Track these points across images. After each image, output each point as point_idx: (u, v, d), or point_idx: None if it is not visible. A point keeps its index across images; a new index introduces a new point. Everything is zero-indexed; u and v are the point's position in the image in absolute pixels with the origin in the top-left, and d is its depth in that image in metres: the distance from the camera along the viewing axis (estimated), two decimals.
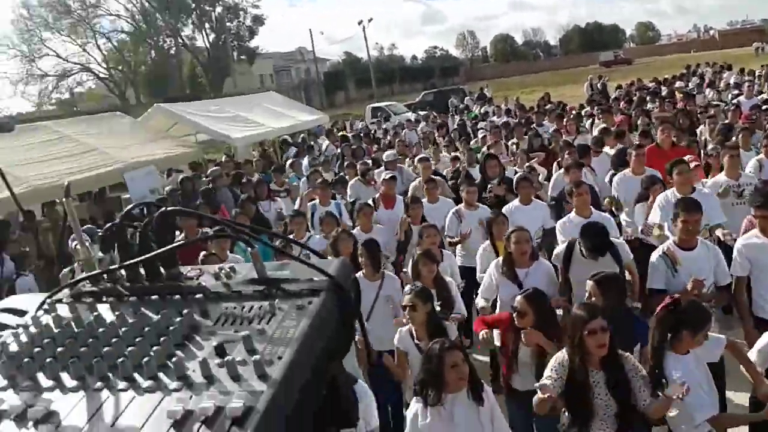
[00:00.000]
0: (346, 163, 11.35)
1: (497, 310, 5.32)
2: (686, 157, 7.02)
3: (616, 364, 3.58)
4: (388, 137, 16.73)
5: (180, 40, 64.17)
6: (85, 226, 6.07)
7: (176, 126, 16.35)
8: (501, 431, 3.71)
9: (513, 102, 22.57)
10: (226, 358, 0.87)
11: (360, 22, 66.21)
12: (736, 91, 14.75)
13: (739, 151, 7.66)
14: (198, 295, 1.02)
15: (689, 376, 3.42)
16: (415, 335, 4.52)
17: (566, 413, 3.67)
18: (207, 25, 64.64)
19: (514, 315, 4.33)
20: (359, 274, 5.59)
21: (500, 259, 5.46)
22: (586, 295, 4.32)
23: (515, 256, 5.25)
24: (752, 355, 3.80)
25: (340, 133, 18.77)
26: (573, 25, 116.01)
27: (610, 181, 7.95)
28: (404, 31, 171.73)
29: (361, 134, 18.90)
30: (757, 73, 19.85)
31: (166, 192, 10.85)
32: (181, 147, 14.37)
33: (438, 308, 4.74)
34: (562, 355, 3.70)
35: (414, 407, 3.70)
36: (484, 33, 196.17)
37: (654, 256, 4.94)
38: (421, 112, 27.44)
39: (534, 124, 14.22)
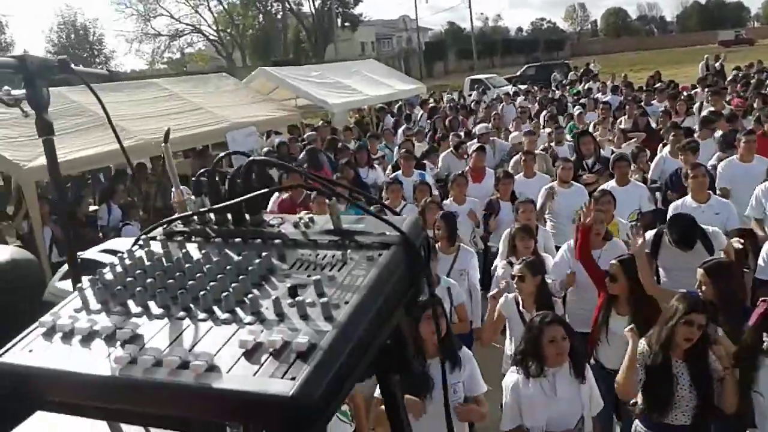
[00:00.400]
0: (439, 135, 11.30)
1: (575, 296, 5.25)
2: None
3: (701, 358, 3.48)
4: (482, 110, 16.49)
5: (287, 5, 65.39)
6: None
7: (277, 90, 16.75)
8: (598, 410, 3.71)
9: (620, 79, 21.67)
10: (296, 299, 0.92)
11: None
12: None
13: None
14: (277, 241, 1.08)
15: None
16: (521, 304, 4.52)
17: (642, 397, 3.61)
18: None
19: (607, 280, 4.28)
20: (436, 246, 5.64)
21: (571, 241, 5.32)
22: (696, 283, 4.16)
23: (590, 237, 5.10)
24: None
25: (430, 105, 18.62)
26: (692, 1, 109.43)
27: (714, 166, 7.56)
28: (510, 1, 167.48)
29: (458, 106, 18.72)
30: None
31: (263, 153, 11.23)
32: (281, 110, 14.74)
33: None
34: (643, 343, 3.62)
35: (513, 377, 3.69)
36: (596, 5, 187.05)
37: (766, 247, 4.70)
38: (522, 86, 26.86)
39: (642, 103, 13.67)
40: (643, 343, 3.61)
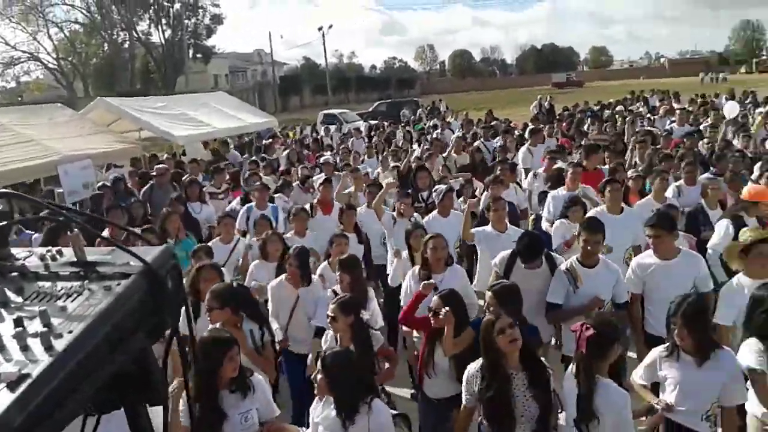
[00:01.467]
0: (284, 168, 11.35)
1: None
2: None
3: (537, 363, 3.69)
4: (334, 144, 16.80)
5: (135, 35, 63.09)
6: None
7: (120, 121, 16.07)
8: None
9: (462, 117, 22.95)
10: (18, 330, 0.93)
11: (320, 28, 66.62)
12: (672, 119, 15.29)
13: (669, 175, 8.03)
14: (14, 274, 1.08)
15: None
16: (339, 342, 4.56)
17: (484, 422, 3.70)
18: (164, 21, 63.80)
19: (431, 315, 4.40)
20: (282, 278, 5.67)
21: (417, 267, 5.58)
22: (485, 305, 4.45)
23: (431, 262, 5.37)
24: (639, 370, 3.98)
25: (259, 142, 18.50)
26: (530, 46, 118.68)
27: (539, 199, 8.24)
28: (365, 40, 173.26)
29: (303, 140, 18.94)
30: (692, 104, 20.81)
31: (96, 188, 10.71)
32: (121, 143, 14.11)
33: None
34: (475, 366, 3.77)
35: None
36: (444, 47, 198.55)
37: (558, 270, 5.14)
38: (372, 122, 27.64)
39: (482, 139, 14.50)
40: (476, 366, 3.76)
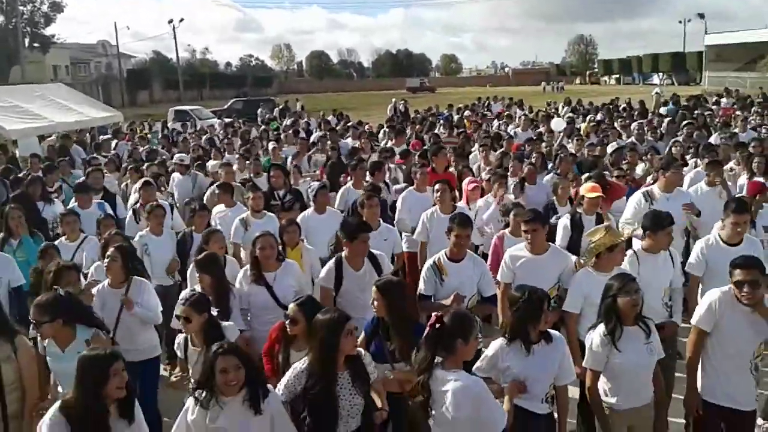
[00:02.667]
0: (129, 167, 10.77)
1: (249, 317, 5.44)
2: (467, 180, 7.81)
3: (358, 361, 3.80)
4: (186, 140, 16.15)
5: None
6: None
7: None
8: None
9: (319, 117, 23.02)
10: None
11: (170, 21, 64.01)
12: (512, 124, 16.33)
13: (507, 176, 8.56)
14: None
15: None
16: (191, 342, 4.43)
17: (307, 419, 3.73)
18: None
19: (287, 323, 4.33)
20: (105, 282, 5.39)
21: (246, 267, 5.58)
22: (371, 300, 4.49)
23: (261, 261, 5.40)
24: (480, 361, 4.14)
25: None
26: (385, 50, 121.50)
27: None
28: (218, 36, 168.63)
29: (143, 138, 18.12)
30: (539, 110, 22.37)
31: None
32: None
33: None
34: (301, 364, 3.80)
35: (188, 402, 3.63)
36: (300, 47, 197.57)
37: (425, 266, 5.35)
38: (227, 119, 26.96)
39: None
40: (299, 368, 3.79)
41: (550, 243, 5.57)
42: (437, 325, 3.54)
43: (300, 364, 3.82)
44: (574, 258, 5.56)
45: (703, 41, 50.65)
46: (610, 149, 10.89)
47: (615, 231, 5.21)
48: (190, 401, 3.62)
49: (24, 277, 5.87)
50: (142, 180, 8.61)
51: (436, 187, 7.00)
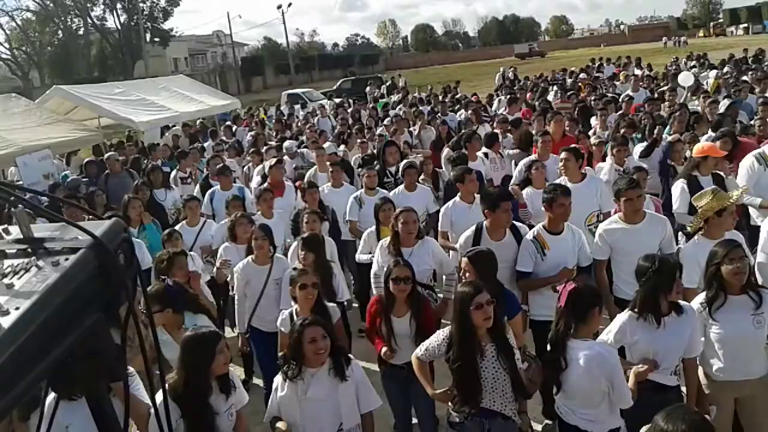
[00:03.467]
0: (251, 150, 11.21)
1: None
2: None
3: (502, 335, 3.73)
4: (298, 124, 16.63)
5: (89, 20, 61.53)
6: None
7: (78, 109, 15.72)
8: (367, 404, 3.79)
9: (426, 92, 22.93)
10: None
11: (279, 7, 65.65)
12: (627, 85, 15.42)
13: (628, 138, 8.13)
14: None
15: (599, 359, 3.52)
16: (296, 316, 4.56)
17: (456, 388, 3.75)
18: (119, 6, 62.29)
19: (460, 274, 4.42)
20: (249, 259, 5.64)
21: (386, 239, 5.56)
22: (461, 271, 4.48)
23: (402, 236, 5.36)
24: (605, 335, 4.03)
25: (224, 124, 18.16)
26: (491, 17, 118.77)
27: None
28: (325, 18, 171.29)
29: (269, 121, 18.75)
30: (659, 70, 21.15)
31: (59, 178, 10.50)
32: (80, 131, 13.82)
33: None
34: (444, 333, 3.82)
35: (277, 380, 3.80)
36: (405, 22, 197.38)
37: (524, 241, 5.15)
38: (337, 99, 27.44)
39: (439, 114, 14.55)
40: (442, 335, 3.81)
41: (645, 210, 5.23)
42: (572, 288, 3.63)
43: (442, 331, 3.85)
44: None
45: None
46: (723, 106, 10.13)
47: (723, 194, 4.81)
48: (277, 379, 3.78)
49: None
50: (275, 159, 8.74)
51: (562, 155, 6.58)
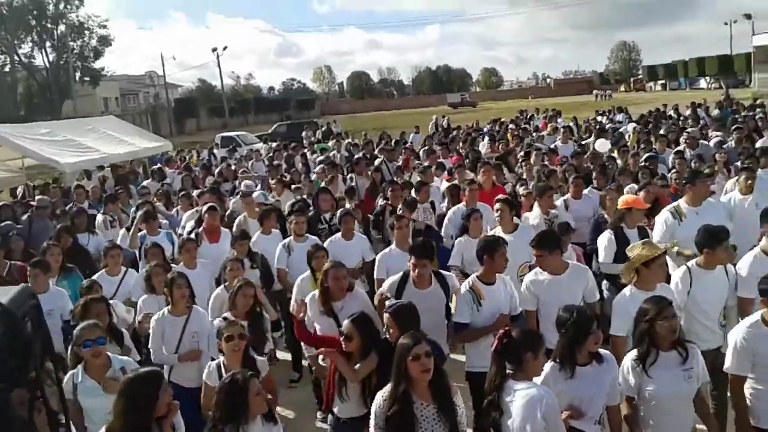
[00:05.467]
0: (181, 194, 10.98)
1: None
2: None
3: (446, 394, 3.62)
4: (227, 167, 16.42)
5: (16, 57, 59.80)
6: None
7: (0, 149, 15.12)
8: None
9: (362, 138, 23.17)
10: None
11: (214, 50, 65.47)
12: (557, 137, 15.98)
13: (552, 188, 8.42)
14: None
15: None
16: (224, 369, 4.45)
17: None
18: (48, 43, 60.86)
19: (342, 340, 4.35)
20: (165, 310, 5.48)
21: (315, 292, 5.48)
22: (384, 326, 4.47)
23: (333, 291, 5.30)
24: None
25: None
26: (425, 67, 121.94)
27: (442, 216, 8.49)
28: (260, 62, 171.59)
29: (206, 164, 18.45)
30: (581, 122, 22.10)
31: None
32: (2, 171, 13.28)
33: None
34: (383, 392, 3.73)
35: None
36: (341, 68, 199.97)
37: (461, 292, 5.21)
38: (273, 144, 27.36)
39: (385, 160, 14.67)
40: (380, 397, 3.70)
41: (568, 261, 5.42)
42: (505, 340, 3.64)
43: (382, 391, 3.75)
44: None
45: (751, 42, 49.11)
46: (643, 158, 10.66)
47: (653, 245, 5.05)
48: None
49: None
50: (208, 205, 8.47)
51: (497, 206, 6.75)
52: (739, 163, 9.14)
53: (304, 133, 30.35)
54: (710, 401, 4.95)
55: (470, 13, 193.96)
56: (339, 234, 7.47)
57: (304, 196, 10.28)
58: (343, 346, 4.35)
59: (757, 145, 11.68)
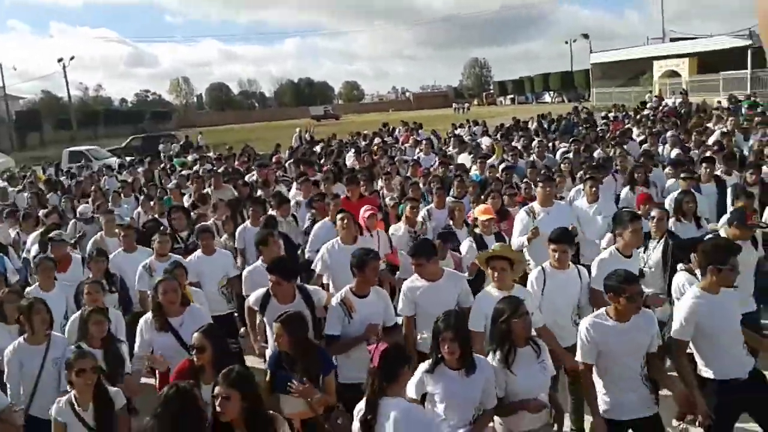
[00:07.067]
0: (23, 215, 10.14)
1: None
2: (364, 208, 7.66)
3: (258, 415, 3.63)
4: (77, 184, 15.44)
5: None
6: None
7: None
8: None
9: (225, 151, 22.59)
10: None
11: (60, 60, 61.46)
12: (418, 149, 16.52)
13: (418, 203, 8.63)
14: None
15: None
16: (76, 403, 4.15)
17: None
18: None
19: (194, 353, 4.27)
20: (21, 339, 5.04)
21: (149, 314, 5.34)
22: (274, 336, 4.45)
23: (164, 305, 5.20)
24: (409, 386, 4.16)
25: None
26: (286, 79, 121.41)
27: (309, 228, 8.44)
28: (111, 72, 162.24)
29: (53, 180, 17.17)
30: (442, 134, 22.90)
31: None
32: None
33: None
34: None
35: None
36: (199, 80, 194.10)
37: (331, 305, 5.25)
38: (128, 158, 26.03)
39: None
40: None
41: (443, 268, 5.60)
42: (385, 348, 3.84)
43: None
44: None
45: (589, 60, 53.44)
46: (501, 168, 11.29)
47: (502, 248, 5.38)
48: None
49: None
50: (51, 237, 7.78)
51: (339, 216, 6.86)
52: (582, 173, 9.91)
53: (161, 147, 29.18)
54: (570, 397, 5.30)
55: (328, 27, 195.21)
56: (199, 251, 7.27)
57: (156, 216, 9.89)
58: (195, 359, 4.27)
59: (595, 155, 12.67)
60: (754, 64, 34.03)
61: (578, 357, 4.41)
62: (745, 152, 12.00)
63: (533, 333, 4.38)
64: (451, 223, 7.81)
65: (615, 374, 4.32)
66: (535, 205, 7.41)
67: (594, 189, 7.84)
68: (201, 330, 4.31)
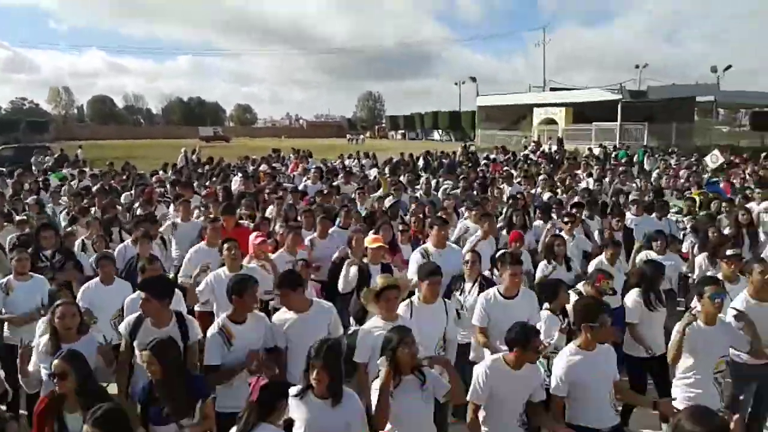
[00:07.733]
0: None
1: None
2: (254, 234, 7.69)
3: None
4: None
5: None
6: None
7: None
8: None
9: (105, 167, 21.61)
10: None
11: None
12: (305, 177, 16.61)
13: (301, 227, 8.69)
14: None
15: None
16: None
17: None
18: None
19: (54, 380, 4.06)
20: None
21: (44, 337, 5.09)
22: (146, 364, 4.31)
23: (60, 332, 4.97)
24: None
25: None
26: (176, 97, 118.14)
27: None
28: None
29: None
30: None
31: None
32: None
33: None
34: None
35: None
36: (81, 91, 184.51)
37: (209, 335, 5.13)
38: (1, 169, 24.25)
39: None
40: None
41: (312, 299, 5.61)
42: (265, 383, 3.84)
43: None
44: None
45: (476, 102, 55.75)
46: (387, 203, 11.59)
47: (388, 278, 5.52)
48: None
49: None
50: None
51: (225, 246, 6.83)
52: (464, 209, 10.35)
53: (33, 159, 27.49)
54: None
55: (223, 46, 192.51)
56: (97, 279, 6.82)
57: (30, 230, 9.31)
58: (57, 387, 4.08)
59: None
60: (624, 116, 37.09)
61: (471, 396, 4.64)
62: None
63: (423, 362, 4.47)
64: (348, 252, 7.80)
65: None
66: (429, 246, 7.67)
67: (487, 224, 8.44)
68: (61, 356, 4.10)
